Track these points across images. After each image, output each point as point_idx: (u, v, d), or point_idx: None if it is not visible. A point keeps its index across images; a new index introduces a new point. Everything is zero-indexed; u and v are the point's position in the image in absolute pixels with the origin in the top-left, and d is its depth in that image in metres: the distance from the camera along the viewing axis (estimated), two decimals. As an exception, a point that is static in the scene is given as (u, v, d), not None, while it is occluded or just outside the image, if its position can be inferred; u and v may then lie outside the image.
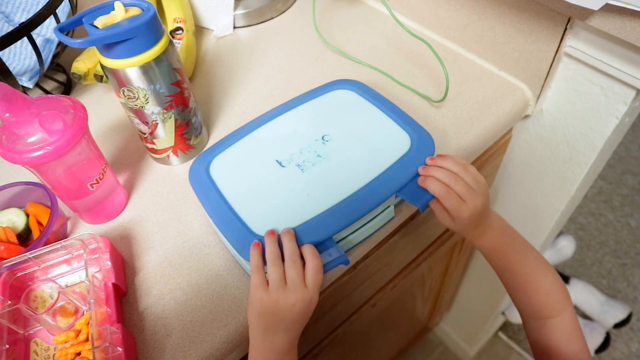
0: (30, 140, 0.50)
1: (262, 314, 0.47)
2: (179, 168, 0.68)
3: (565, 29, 0.64)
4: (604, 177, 1.90)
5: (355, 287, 0.72)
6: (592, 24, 0.58)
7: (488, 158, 0.79)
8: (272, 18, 0.91)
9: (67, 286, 0.57)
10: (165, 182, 0.67)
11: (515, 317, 1.47)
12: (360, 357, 1.08)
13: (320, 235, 0.50)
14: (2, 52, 0.61)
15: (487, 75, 0.76)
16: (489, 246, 0.55)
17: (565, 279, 1.56)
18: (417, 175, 0.54)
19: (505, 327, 1.59)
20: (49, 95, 0.53)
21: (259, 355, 0.48)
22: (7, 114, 0.49)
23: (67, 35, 0.65)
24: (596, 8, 0.52)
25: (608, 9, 0.55)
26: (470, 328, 1.49)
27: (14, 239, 0.58)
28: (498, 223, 0.55)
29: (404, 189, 0.54)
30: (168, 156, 0.67)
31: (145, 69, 0.56)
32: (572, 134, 0.75)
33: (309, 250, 0.48)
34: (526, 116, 0.78)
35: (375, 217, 0.56)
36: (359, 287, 0.74)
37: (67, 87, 0.78)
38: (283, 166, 0.56)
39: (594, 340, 1.42)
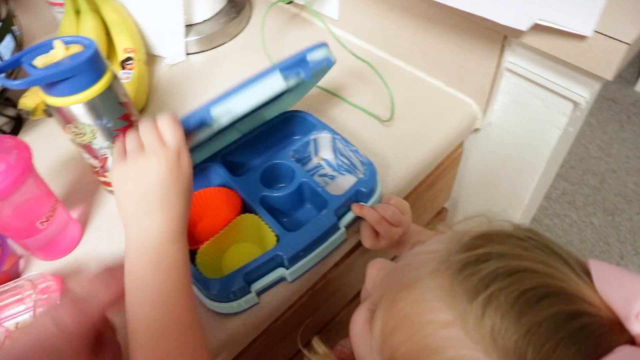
0: (-28, 183, 0.49)
1: (125, 189, 0.42)
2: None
3: (503, 46, 0.66)
4: (567, 178, 1.95)
5: (317, 306, 0.73)
6: (525, 42, 0.61)
7: (442, 172, 0.81)
8: (225, 43, 0.92)
9: (17, 326, 0.56)
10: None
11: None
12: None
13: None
14: (-56, 93, 0.60)
15: (435, 92, 0.78)
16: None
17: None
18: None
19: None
20: (-9, 137, 0.53)
21: (134, 252, 0.41)
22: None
23: (10, 74, 0.65)
24: (524, 29, 0.55)
25: (538, 27, 0.57)
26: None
27: (-37, 282, 0.57)
28: (413, 229, 0.61)
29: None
30: (121, 188, 0.67)
31: (90, 105, 0.56)
32: (520, 145, 0.78)
33: (160, 116, 0.45)
34: (476, 129, 0.80)
35: (327, 240, 0.57)
36: (322, 307, 0.74)
37: (18, 122, 0.78)
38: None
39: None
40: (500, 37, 0.65)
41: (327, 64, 0.58)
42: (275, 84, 0.54)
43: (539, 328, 0.29)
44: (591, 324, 0.30)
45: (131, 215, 0.41)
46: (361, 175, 0.62)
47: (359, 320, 0.40)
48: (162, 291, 0.39)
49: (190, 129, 0.48)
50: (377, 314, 0.36)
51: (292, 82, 0.55)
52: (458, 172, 0.90)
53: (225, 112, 0.51)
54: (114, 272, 0.42)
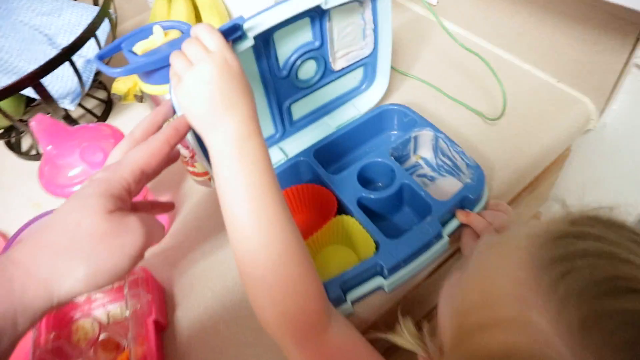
0: (71, 173, 0.48)
1: (190, 105, 0.42)
2: (220, 191, 0.66)
3: (638, 39, 0.58)
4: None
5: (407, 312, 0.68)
6: (670, 36, 0.53)
7: (545, 176, 0.73)
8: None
9: (109, 317, 0.56)
10: (207, 205, 0.65)
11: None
12: None
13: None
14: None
15: (544, 88, 0.71)
16: None
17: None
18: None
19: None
20: (89, 125, 0.52)
21: (218, 158, 0.41)
22: (49, 147, 0.48)
23: (107, 59, 0.64)
24: (679, 22, 0.47)
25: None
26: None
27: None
28: None
29: None
30: (209, 179, 0.65)
31: (186, 93, 0.54)
32: (639, 151, 0.70)
33: (195, 28, 0.44)
34: (587, 131, 0.73)
35: (429, 249, 0.53)
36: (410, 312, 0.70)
37: (108, 105, 0.77)
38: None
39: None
40: (635, 29, 0.57)
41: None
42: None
43: (619, 316, 0.26)
44: None
45: (205, 126, 0.42)
46: (467, 180, 0.57)
47: (449, 282, 0.40)
48: (249, 186, 0.41)
49: (226, 36, 0.46)
50: (466, 269, 0.37)
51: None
52: (559, 175, 0.83)
53: (257, 24, 0.50)
54: (148, 143, 0.42)
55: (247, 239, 0.41)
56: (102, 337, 0.53)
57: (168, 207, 0.52)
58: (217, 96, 0.41)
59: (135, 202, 0.47)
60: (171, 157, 0.49)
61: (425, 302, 0.75)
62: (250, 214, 0.41)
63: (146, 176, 0.41)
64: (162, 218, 0.62)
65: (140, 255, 0.39)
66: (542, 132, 0.66)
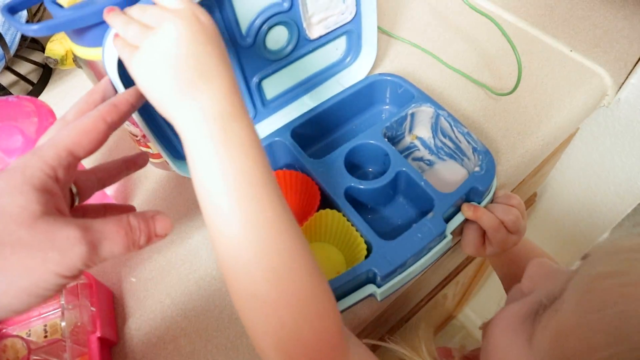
0: (-20, 161, 0.38)
1: (153, 80, 0.32)
2: (181, 175, 0.56)
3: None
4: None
5: (396, 309, 0.61)
6: None
7: (550, 156, 0.66)
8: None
9: (47, 331, 0.46)
10: (166, 192, 0.55)
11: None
12: None
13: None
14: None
15: (555, 57, 0.62)
16: (502, 261, 0.54)
17: None
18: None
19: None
20: (5, 99, 0.40)
21: (195, 144, 0.32)
22: (-52, 127, 0.37)
23: (35, 14, 0.53)
24: None
25: None
26: (493, 312, 1.40)
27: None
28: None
29: None
30: (167, 161, 0.54)
31: (131, 59, 0.43)
32: (656, 129, 0.62)
33: None
34: (598, 107, 0.65)
35: (430, 251, 0.44)
36: (400, 308, 0.63)
37: (47, 71, 0.65)
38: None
39: None
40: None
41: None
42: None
43: None
44: None
45: (175, 106, 0.32)
46: (472, 166, 0.49)
47: (506, 318, 0.34)
48: (239, 177, 0.32)
49: None
50: (563, 300, 0.30)
51: None
52: (560, 156, 0.75)
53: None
54: (79, 120, 0.33)
55: (239, 246, 0.32)
56: (35, 357, 0.44)
57: (127, 210, 0.42)
58: (189, 63, 0.32)
59: (86, 205, 0.38)
60: (138, 162, 0.40)
61: (410, 301, 0.67)
62: (243, 214, 0.32)
63: (76, 159, 0.31)
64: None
65: (75, 276, 0.29)
66: (553, 110, 0.58)
